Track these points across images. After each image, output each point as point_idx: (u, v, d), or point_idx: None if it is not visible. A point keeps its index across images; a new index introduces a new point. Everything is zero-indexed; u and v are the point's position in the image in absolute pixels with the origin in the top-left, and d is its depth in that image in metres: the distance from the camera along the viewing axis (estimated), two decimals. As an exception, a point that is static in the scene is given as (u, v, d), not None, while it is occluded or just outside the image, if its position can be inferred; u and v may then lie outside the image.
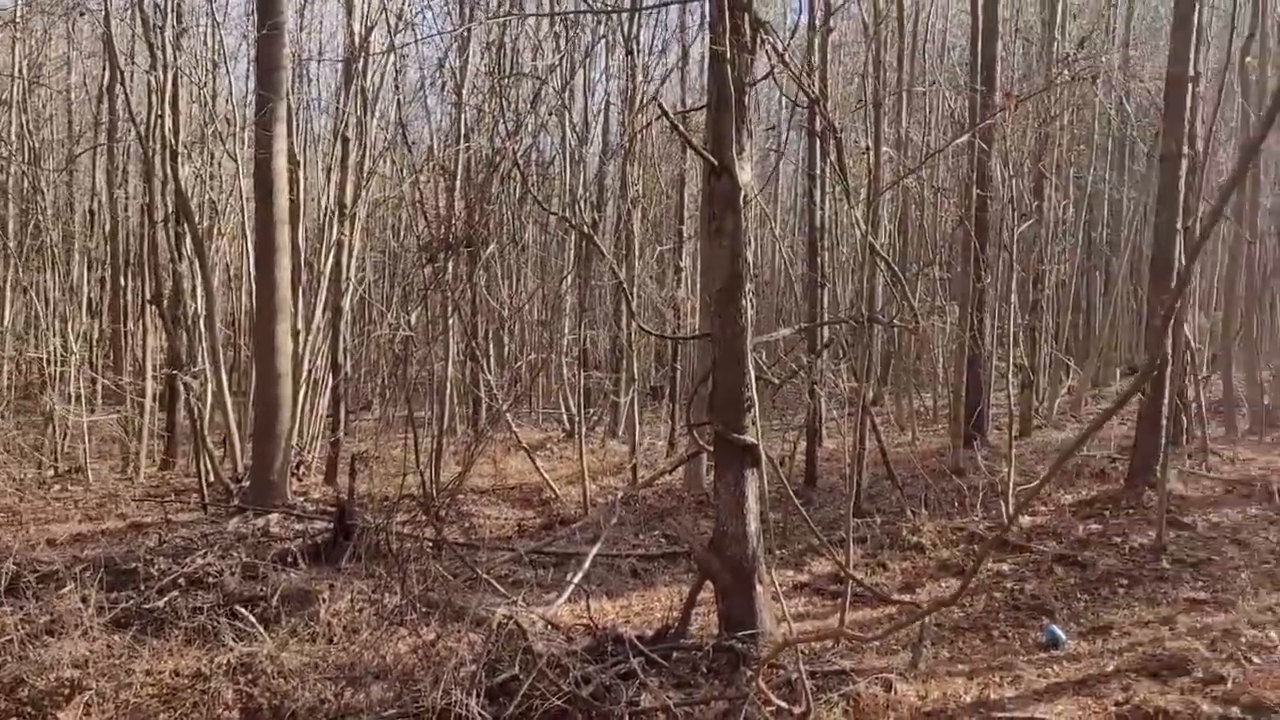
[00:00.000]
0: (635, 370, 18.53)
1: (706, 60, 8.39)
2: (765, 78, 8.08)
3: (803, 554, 11.23)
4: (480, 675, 6.76)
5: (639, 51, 17.85)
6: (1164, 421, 10.99)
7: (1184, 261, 11.35)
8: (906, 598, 9.42)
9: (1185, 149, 11.11)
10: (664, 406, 21.81)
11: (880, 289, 16.89)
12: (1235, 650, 7.22)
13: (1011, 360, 12.89)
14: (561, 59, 18.69)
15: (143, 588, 9.58)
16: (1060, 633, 8.03)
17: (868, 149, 11.49)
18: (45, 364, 17.74)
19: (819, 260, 14.43)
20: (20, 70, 20.87)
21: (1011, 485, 11.26)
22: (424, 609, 9.03)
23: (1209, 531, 10.13)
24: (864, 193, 11.35)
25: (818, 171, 14.39)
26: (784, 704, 6.50)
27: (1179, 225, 11.13)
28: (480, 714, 6.43)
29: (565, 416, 22.42)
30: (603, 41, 21.15)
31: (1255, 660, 7.04)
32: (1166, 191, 11.20)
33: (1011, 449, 11.53)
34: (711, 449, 8.41)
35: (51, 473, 16.34)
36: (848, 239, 25.19)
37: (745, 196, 7.89)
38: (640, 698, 6.75)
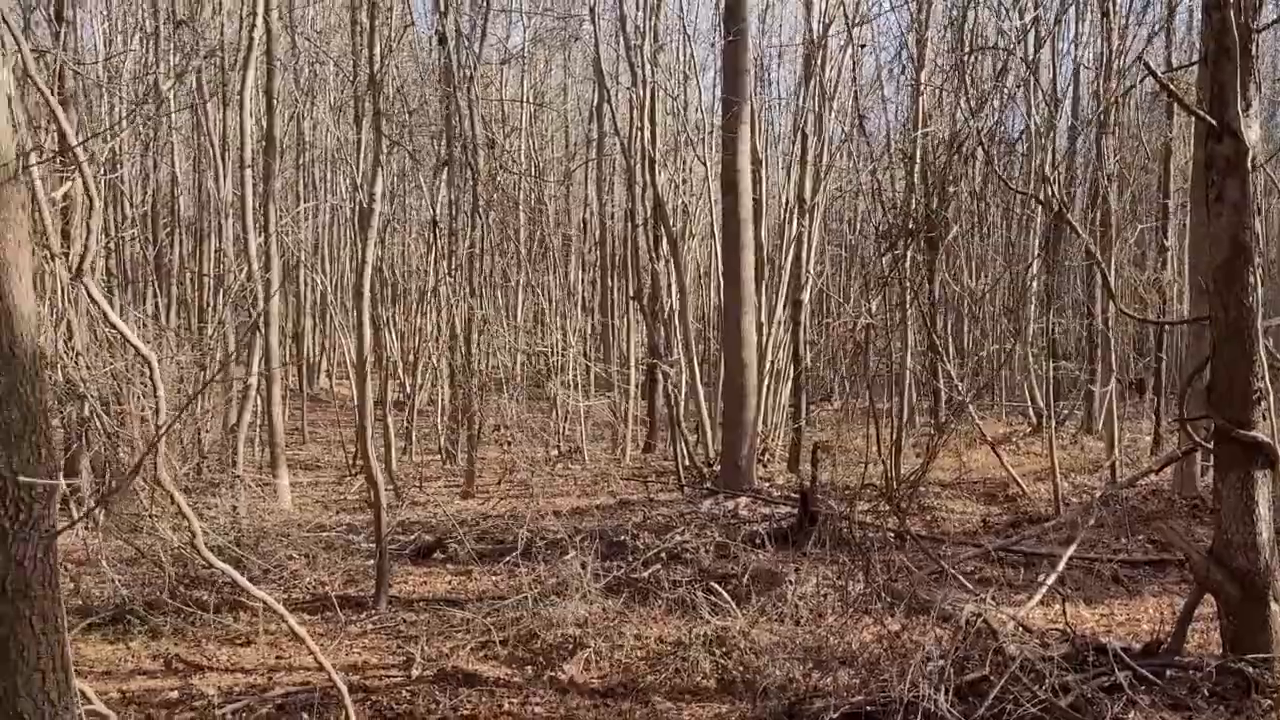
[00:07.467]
0: (1113, 359, 17.03)
1: (1199, 11, 7.47)
2: (1278, 21, 7.03)
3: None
4: (949, 672, 6.58)
5: (1114, 13, 16.37)
6: None
7: None
8: None
9: None
10: (1147, 400, 19.84)
11: None
12: None
13: None
14: (1032, 22, 17.58)
15: (630, 559, 10.48)
16: None
17: None
18: (550, 355, 20.13)
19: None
20: (527, 98, 23.94)
21: None
22: (888, 599, 8.99)
23: None
24: None
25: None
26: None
27: None
28: (950, 711, 6.28)
29: (1031, 409, 21.22)
30: (1073, 7, 19.68)
31: None
32: None
33: None
34: (1209, 447, 7.50)
35: (555, 452, 18.48)
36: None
37: (1252, 160, 6.93)
38: (1128, 715, 6.20)
